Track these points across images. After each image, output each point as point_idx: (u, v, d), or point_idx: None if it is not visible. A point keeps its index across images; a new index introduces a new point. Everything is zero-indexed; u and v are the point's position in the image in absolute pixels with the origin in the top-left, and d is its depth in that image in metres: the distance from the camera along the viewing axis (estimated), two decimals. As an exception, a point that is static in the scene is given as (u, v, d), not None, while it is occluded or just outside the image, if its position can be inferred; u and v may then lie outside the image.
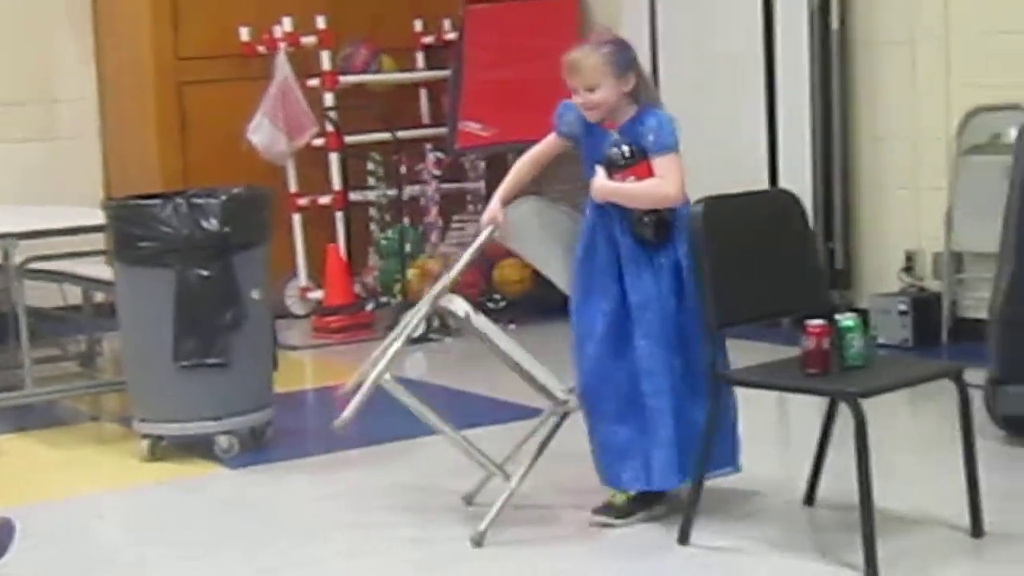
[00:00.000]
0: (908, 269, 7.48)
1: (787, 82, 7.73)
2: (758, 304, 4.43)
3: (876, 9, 7.56)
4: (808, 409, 5.37)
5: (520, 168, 4.88)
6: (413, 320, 4.77)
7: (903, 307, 7.22)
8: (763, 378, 4.40)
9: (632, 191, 4.53)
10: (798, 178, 7.57)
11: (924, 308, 7.23)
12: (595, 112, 4.65)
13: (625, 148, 4.59)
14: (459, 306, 4.67)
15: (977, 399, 5.33)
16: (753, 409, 4.87)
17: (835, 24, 7.63)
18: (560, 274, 4.87)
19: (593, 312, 4.61)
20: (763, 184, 7.60)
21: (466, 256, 4.79)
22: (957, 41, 7.20)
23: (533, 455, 4.71)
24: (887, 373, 4.35)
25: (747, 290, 4.37)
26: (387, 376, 4.61)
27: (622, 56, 4.61)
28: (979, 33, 7.10)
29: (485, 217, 4.84)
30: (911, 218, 7.49)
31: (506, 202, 4.82)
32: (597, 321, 4.59)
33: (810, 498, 4.71)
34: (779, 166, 7.78)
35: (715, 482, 4.62)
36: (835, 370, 4.22)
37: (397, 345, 4.69)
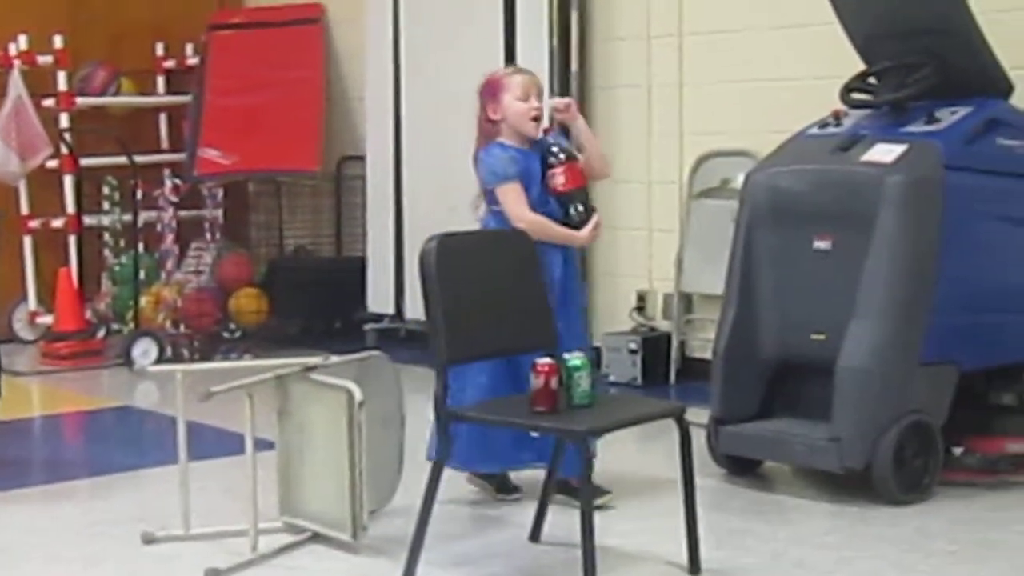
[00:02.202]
0: (640, 309, 7.64)
1: (527, 122, 7.82)
2: (489, 341, 4.46)
3: (614, 53, 7.73)
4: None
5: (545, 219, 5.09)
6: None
7: (633, 346, 7.37)
8: (492, 415, 4.43)
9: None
10: (535, 216, 7.67)
11: (654, 347, 7.39)
12: (539, 124, 5.12)
13: (559, 146, 5.12)
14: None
15: (702, 438, 5.51)
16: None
17: (574, 67, 7.77)
18: None
19: None
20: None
21: None
22: (690, 88, 7.40)
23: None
24: (612, 412, 4.42)
25: (478, 327, 4.40)
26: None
27: None
28: (711, 81, 7.31)
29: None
30: (644, 259, 7.66)
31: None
32: None
33: (535, 535, 4.76)
34: (517, 204, 7.86)
35: (445, 517, 4.63)
36: (563, 408, 4.27)
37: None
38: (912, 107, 5.48)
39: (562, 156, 5.09)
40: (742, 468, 5.55)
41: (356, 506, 4.65)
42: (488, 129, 5.13)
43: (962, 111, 5.40)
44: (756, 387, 5.50)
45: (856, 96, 5.66)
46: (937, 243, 5.17)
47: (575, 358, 4.31)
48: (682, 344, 7.43)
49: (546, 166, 5.09)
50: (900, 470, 5.11)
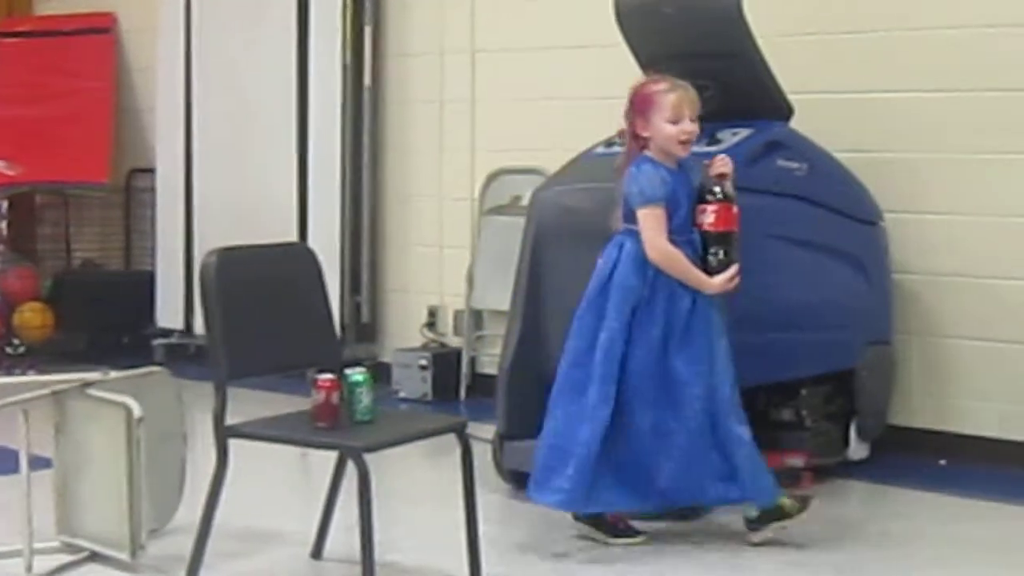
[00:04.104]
0: (431, 325, 7.65)
1: (319, 137, 7.81)
2: (271, 356, 4.42)
3: (408, 69, 7.74)
4: (330, 462, 5.40)
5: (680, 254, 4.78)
6: None
7: (424, 362, 7.38)
8: (272, 431, 4.38)
9: None
10: (327, 232, 7.66)
11: (444, 363, 7.41)
12: (690, 147, 4.80)
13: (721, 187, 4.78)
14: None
15: (489, 453, 5.54)
16: (276, 461, 4.83)
17: (368, 81, 7.76)
18: None
19: None
20: (292, 238, 7.63)
21: None
22: (482, 105, 7.44)
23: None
24: (393, 428, 4.40)
25: (260, 342, 4.35)
26: None
27: None
28: (503, 99, 7.36)
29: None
30: (435, 275, 7.67)
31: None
32: None
33: (318, 551, 4.73)
34: (308, 220, 7.84)
35: (227, 535, 4.57)
36: (344, 424, 4.25)
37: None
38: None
39: (720, 195, 4.76)
40: (525, 483, 5.56)
41: (135, 524, 4.57)
42: (636, 142, 4.83)
43: (744, 133, 5.50)
44: (541, 403, 5.48)
45: (641, 116, 5.73)
46: (717, 261, 5.25)
47: (357, 373, 4.29)
48: (472, 360, 7.45)
49: (700, 199, 4.78)
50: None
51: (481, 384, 7.28)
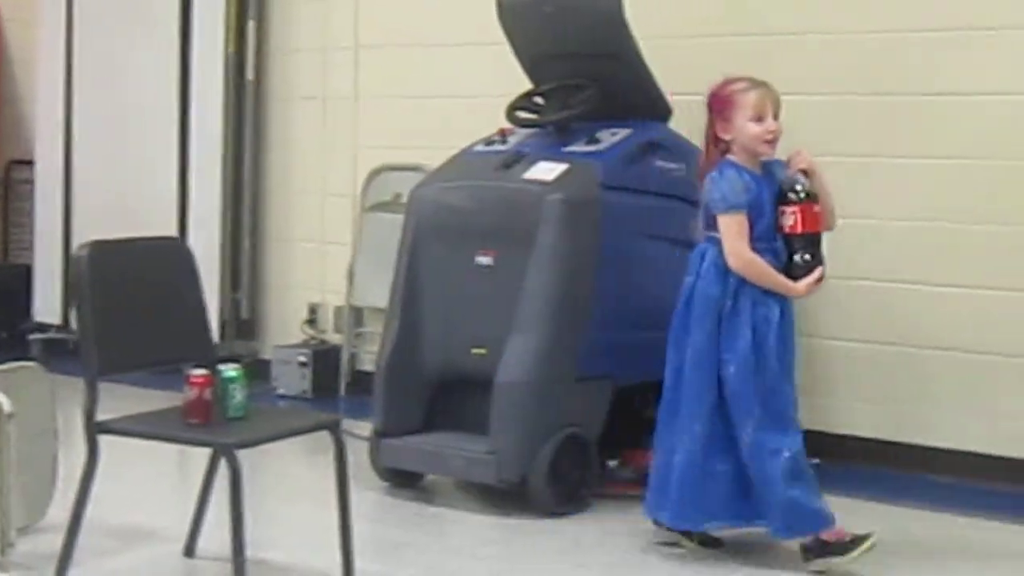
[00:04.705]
0: (311, 321, 7.62)
1: (200, 132, 7.75)
2: (143, 352, 4.39)
3: (291, 65, 7.70)
4: (206, 459, 5.36)
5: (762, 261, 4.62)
6: None
7: (304, 359, 7.35)
8: (144, 428, 4.34)
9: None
10: (207, 227, 7.60)
11: (324, 360, 7.38)
12: (775, 144, 4.64)
13: (802, 185, 4.63)
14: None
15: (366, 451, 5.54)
16: (152, 458, 4.78)
17: (251, 76, 7.71)
18: None
19: None
20: (173, 233, 7.56)
21: None
22: (365, 102, 7.43)
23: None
24: (266, 424, 4.38)
25: (133, 337, 4.32)
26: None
27: None
28: (386, 95, 7.35)
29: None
30: (316, 271, 7.64)
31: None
32: None
33: (190, 549, 4.69)
34: (189, 215, 7.77)
35: (100, 531, 4.53)
36: (217, 420, 4.23)
37: None
38: (575, 128, 5.60)
39: (802, 194, 4.59)
40: (404, 481, 5.58)
41: (4, 522, 4.49)
42: (718, 147, 4.68)
43: (622, 133, 5.54)
44: (418, 401, 5.53)
45: (522, 115, 5.76)
46: (594, 261, 5.29)
47: (230, 369, 4.26)
48: (353, 357, 7.44)
49: (780, 200, 4.62)
50: (556, 483, 5.22)
51: (361, 381, 7.25)
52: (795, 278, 4.61)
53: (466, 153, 5.76)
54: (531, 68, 5.92)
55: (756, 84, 4.67)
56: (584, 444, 5.31)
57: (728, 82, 4.69)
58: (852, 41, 6.02)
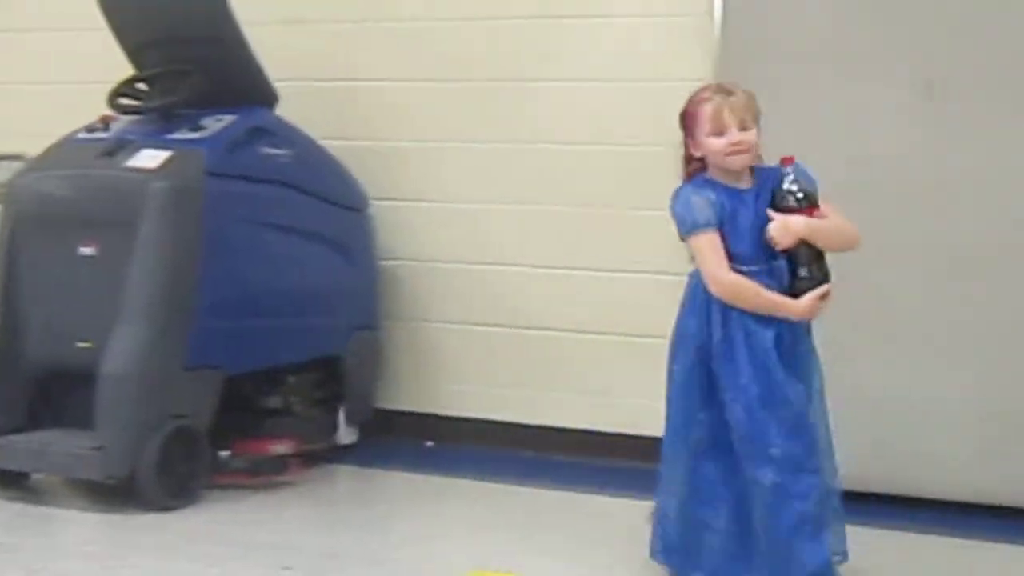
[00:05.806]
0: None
1: None
2: None
3: None
4: None
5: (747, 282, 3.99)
6: None
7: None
8: None
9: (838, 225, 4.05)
10: None
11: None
12: (744, 158, 4.02)
13: (799, 185, 3.99)
14: None
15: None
16: None
17: None
18: None
19: None
20: None
21: None
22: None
23: None
24: None
25: None
26: None
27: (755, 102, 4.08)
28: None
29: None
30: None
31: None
32: None
33: None
34: None
35: None
36: None
37: None
38: (180, 114, 5.52)
39: (801, 199, 3.99)
40: (9, 481, 5.39)
41: None
42: (693, 166, 4.12)
43: (227, 119, 5.49)
44: (22, 397, 5.36)
45: (124, 102, 5.65)
46: (199, 249, 5.21)
47: None
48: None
49: (775, 208, 4.01)
50: (165, 476, 5.12)
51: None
52: (801, 293, 4.02)
53: (67, 141, 5.61)
54: (134, 54, 5.80)
55: (717, 92, 4.07)
56: (194, 435, 5.23)
57: (694, 95, 4.12)
58: (448, 29, 6.10)
